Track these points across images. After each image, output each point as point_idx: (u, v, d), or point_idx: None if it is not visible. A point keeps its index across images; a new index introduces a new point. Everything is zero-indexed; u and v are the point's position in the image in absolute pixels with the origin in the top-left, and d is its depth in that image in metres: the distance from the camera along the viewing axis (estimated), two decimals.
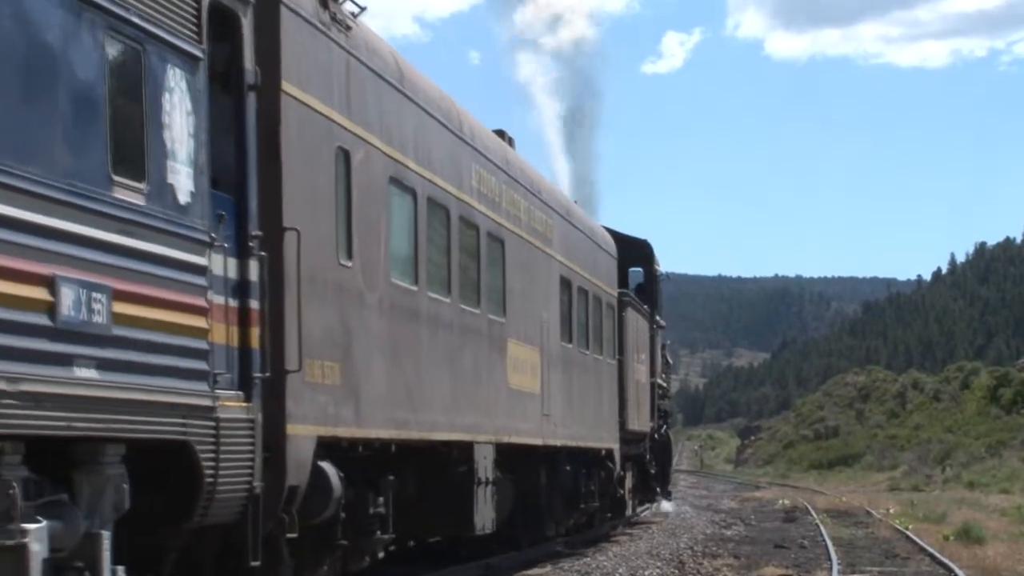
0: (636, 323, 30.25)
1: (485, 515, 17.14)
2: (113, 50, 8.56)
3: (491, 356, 17.78)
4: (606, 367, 26.41)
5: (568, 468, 23.16)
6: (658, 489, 36.87)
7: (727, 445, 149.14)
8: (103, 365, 8.25)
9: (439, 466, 16.17)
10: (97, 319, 8.19)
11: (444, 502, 16.38)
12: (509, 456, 18.72)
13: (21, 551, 7.61)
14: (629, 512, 31.69)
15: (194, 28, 9.62)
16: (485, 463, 17.11)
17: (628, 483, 30.49)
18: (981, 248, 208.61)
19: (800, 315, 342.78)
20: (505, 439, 18.23)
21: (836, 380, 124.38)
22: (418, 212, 14.83)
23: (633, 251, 32.20)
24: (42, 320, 7.72)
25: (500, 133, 20.29)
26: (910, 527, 30.08)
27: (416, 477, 15.65)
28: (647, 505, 35.69)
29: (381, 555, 14.02)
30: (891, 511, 37.69)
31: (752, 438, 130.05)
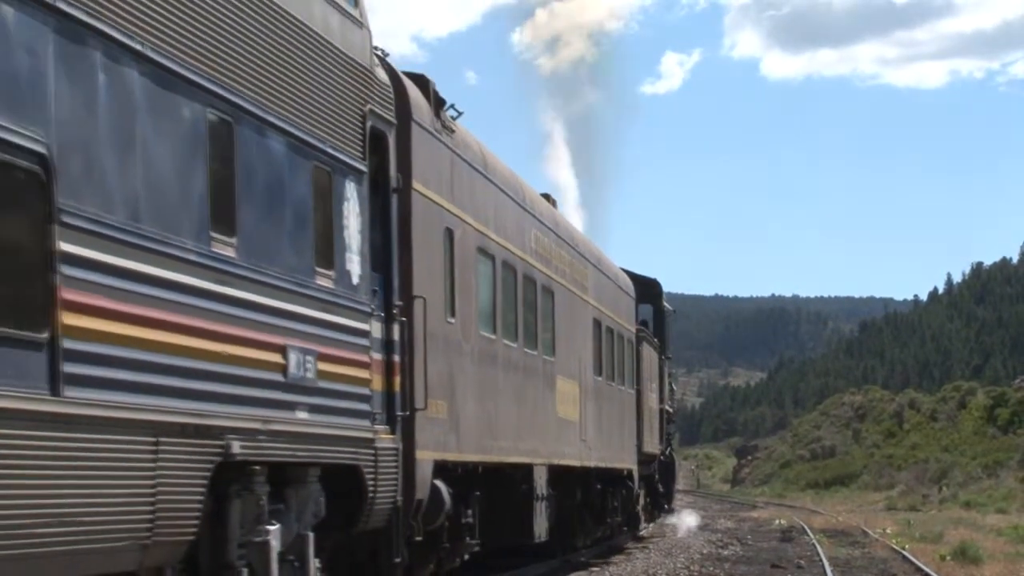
0: (650, 355, 33.54)
1: (541, 526, 20.25)
2: (315, 174, 11.54)
3: (545, 391, 20.86)
4: (627, 396, 29.59)
5: (598, 487, 26.23)
6: (665, 506, 40.10)
7: (724, 464, 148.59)
8: (312, 409, 11.21)
9: (505, 484, 19.20)
10: (309, 375, 11.17)
11: (509, 514, 19.43)
12: (553, 476, 21.76)
13: (266, 546, 10.56)
14: (642, 526, 34.81)
15: (360, 148, 12.62)
16: (541, 482, 20.19)
17: (642, 500, 33.64)
18: (978, 268, 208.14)
19: (797, 334, 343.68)
20: (555, 462, 21.28)
21: (833, 400, 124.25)
22: (496, 274, 17.94)
23: (644, 289, 35.60)
24: (279, 378, 10.68)
25: (546, 196, 23.49)
26: (907, 547, 30.00)
27: (489, 493, 18.66)
28: (646, 524, 38.48)
29: (467, 557, 17.01)
30: (888, 531, 38.05)
31: (749, 457, 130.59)
